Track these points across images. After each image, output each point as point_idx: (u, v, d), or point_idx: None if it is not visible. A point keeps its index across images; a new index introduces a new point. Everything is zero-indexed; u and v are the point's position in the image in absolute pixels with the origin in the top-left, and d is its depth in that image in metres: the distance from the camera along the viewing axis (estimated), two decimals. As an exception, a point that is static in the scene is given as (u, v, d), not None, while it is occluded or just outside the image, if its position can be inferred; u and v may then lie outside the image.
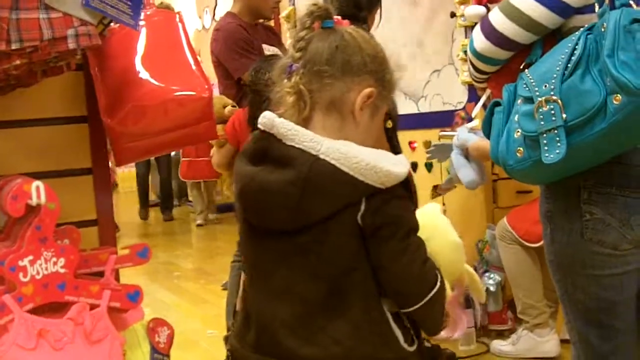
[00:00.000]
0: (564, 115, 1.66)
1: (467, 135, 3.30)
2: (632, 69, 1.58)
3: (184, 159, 8.48)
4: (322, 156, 1.39)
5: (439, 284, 1.49)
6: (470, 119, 4.08)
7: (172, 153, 8.96)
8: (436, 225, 1.65)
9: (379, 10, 3.44)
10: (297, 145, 1.42)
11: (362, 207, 1.41)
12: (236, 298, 3.84)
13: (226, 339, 3.86)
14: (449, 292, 1.58)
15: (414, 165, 4.29)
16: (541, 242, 2.35)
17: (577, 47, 1.69)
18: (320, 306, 1.45)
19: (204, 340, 4.46)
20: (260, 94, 3.52)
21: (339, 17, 1.55)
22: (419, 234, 1.50)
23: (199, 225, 8.96)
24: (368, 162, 1.39)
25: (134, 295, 1.87)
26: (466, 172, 3.18)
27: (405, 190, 1.46)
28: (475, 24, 2.03)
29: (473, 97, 4.27)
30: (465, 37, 4.36)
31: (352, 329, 1.43)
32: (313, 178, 1.39)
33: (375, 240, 1.43)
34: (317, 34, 1.51)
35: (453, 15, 4.43)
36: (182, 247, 7.89)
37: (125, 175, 11.20)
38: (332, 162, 1.39)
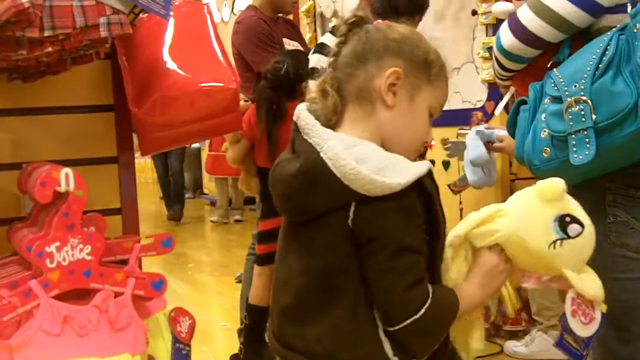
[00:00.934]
0: (594, 117, 1.65)
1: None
2: None
3: (211, 152, 8.23)
4: (321, 154, 1.37)
5: (422, 311, 1.36)
6: (488, 119, 4.08)
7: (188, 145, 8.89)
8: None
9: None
10: (308, 140, 1.42)
11: (351, 213, 1.37)
12: (249, 291, 3.85)
13: (239, 331, 3.91)
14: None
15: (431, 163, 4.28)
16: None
17: (608, 47, 1.68)
18: (309, 301, 1.43)
19: (217, 333, 4.48)
20: (276, 88, 3.54)
21: (379, 21, 1.54)
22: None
23: (212, 220, 8.83)
24: (353, 167, 1.34)
25: (159, 284, 1.87)
26: (472, 170, 3.14)
27: (405, 203, 1.38)
28: (501, 20, 2.01)
29: (492, 95, 4.27)
30: (486, 35, 4.35)
31: (334, 330, 1.40)
32: (309, 173, 1.38)
33: (364, 251, 1.38)
34: (350, 38, 1.50)
35: (474, 13, 4.42)
36: (197, 238, 7.92)
37: (142, 165, 11.22)
38: (326, 160, 1.36)
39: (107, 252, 1.87)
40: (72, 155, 2.08)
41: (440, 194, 1.48)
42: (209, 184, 10.08)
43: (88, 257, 1.75)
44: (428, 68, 1.49)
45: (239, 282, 4.69)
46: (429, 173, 1.42)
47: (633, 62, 1.62)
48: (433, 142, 4.38)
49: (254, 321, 3.81)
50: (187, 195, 10.45)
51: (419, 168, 1.40)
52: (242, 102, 3.80)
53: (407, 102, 1.47)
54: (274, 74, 3.54)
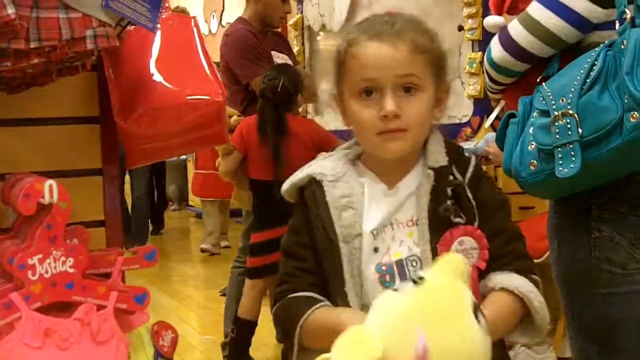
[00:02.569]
0: (580, 130, 1.66)
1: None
2: None
3: (198, 171, 7.42)
4: None
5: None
6: (474, 134, 4.09)
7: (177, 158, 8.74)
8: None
9: None
10: None
11: None
12: (236, 304, 3.84)
13: (223, 345, 3.89)
14: None
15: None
16: (543, 258, 2.34)
17: (596, 62, 1.69)
18: None
19: (200, 346, 4.45)
20: (272, 101, 3.55)
21: None
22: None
23: (203, 250, 7.49)
24: None
25: (141, 298, 1.86)
26: None
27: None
28: (489, 36, 2.02)
29: (478, 111, 4.28)
30: (473, 51, 4.37)
31: None
32: None
33: None
34: None
35: (461, 28, 4.43)
36: (182, 251, 7.88)
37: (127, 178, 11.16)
38: None
39: (91, 265, 1.85)
40: (56, 166, 2.06)
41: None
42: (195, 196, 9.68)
43: (71, 270, 1.73)
44: None
45: (223, 295, 4.67)
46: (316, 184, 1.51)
47: (619, 78, 1.63)
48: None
49: (241, 335, 3.80)
50: (172, 208, 10.42)
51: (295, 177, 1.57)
52: (235, 117, 3.81)
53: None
54: (273, 92, 3.55)
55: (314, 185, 1.50)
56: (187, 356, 4.16)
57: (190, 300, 5.68)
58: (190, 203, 10.35)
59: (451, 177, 1.46)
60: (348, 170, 1.51)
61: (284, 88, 3.57)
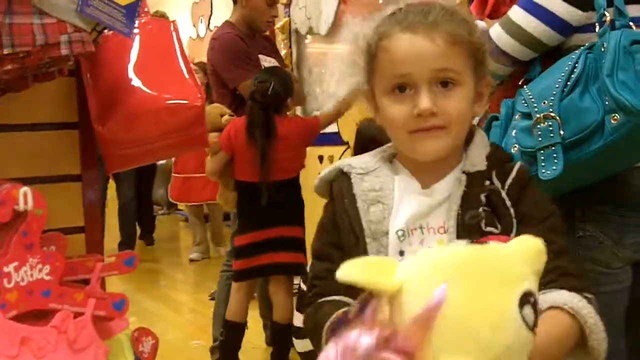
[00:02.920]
0: (562, 132, 1.67)
1: None
2: (631, 89, 1.59)
3: (176, 175, 6.97)
4: None
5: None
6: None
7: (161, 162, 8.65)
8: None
9: None
10: None
11: None
12: (224, 308, 3.83)
13: (212, 349, 3.88)
14: None
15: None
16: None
17: (577, 65, 1.70)
18: None
19: (190, 351, 4.43)
20: (261, 104, 3.54)
21: None
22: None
23: (192, 260, 7.16)
24: None
25: (120, 304, 1.84)
26: None
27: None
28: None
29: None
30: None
31: None
32: None
33: None
34: None
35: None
36: (171, 256, 7.86)
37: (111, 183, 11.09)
38: None
39: (69, 272, 1.83)
40: (35, 173, 2.03)
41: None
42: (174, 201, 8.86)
43: (47, 277, 1.71)
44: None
45: (213, 299, 4.65)
46: (345, 177, 1.42)
47: (600, 80, 1.64)
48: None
49: (229, 337, 3.79)
50: (160, 212, 10.38)
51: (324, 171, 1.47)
52: (227, 117, 3.79)
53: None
54: (262, 94, 3.54)
55: (341, 178, 1.42)
56: (176, 361, 4.15)
57: (179, 305, 5.66)
58: (179, 207, 10.31)
59: (487, 183, 1.34)
60: (381, 166, 1.42)
61: (274, 91, 3.56)
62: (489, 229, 1.28)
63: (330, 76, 5.28)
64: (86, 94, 2.03)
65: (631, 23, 1.71)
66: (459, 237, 1.27)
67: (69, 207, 2.10)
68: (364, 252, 1.32)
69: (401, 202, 1.35)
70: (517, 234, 1.23)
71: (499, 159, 1.39)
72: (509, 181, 1.34)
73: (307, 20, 5.75)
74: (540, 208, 1.34)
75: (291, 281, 3.86)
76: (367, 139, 3.19)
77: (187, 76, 2.07)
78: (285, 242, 3.65)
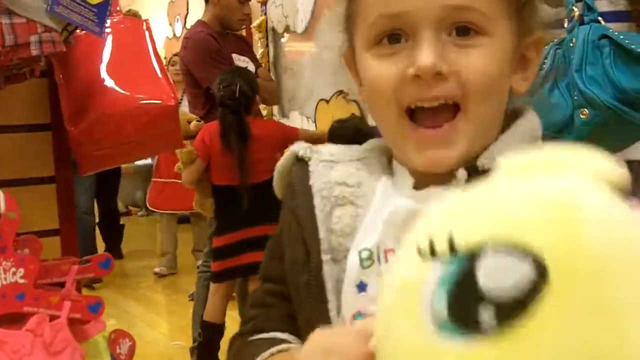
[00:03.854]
0: None
1: None
2: (599, 83, 1.59)
3: (156, 179, 6.43)
4: None
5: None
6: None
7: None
8: None
9: None
10: None
11: None
12: (203, 308, 3.82)
13: (192, 350, 3.87)
14: None
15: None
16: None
17: (545, 61, 1.71)
18: None
19: (169, 351, 4.42)
20: (231, 107, 3.53)
21: None
22: None
23: (156, 273, 6.44)
24: None
25: (95, 307, 1.83)
26: None
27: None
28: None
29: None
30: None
31: None
32: None
33: None
34: None
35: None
36: (149, 257, 7.82)
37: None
38: None
39: (44, 275, 1.82)
40: (8, 175, 2.02)
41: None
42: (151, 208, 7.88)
43: (21, 281, 1.71)
44: None
45: (192, 300, 4.64)
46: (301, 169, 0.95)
47: (569, 75, 1.65)
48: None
49: (208, 338, 3.78)
50: (139, 213, 10.33)
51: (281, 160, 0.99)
52: (195, 122, 3.78)
53: None
54: (231, 98, 3.53)
55: (296, 166, 0.95)
56: (156, 362, 4.14)
57: (158, 306, 5.64)
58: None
59: None
60: (369, 156, 0.93)
61: (242, 92, 3.55)
62: None
63: (308, 75, 5.28)
64: (59, 95, 2.02)
65: (600, 18, 1.72)
66: None
67: (44, 210, 2.09)
68: (317, 274, 0.87)
69: (382, 207, 0.86)
70: None
71: None
72: None
73: (283, 18, 5.75)
74: None
75: (270, 281, 3.85)
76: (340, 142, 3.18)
77: (160, 75, 2.06)
78: (264, 242, 3.61)
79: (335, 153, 0.94)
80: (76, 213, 5.91)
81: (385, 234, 0.83)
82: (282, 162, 0.98)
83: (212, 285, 3.79)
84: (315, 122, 5.03)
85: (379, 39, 0.83)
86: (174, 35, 9.77)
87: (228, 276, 3.73)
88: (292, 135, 3.79)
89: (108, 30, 2.02)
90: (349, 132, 3.23)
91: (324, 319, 0.84)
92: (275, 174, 0.99)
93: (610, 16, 1.77)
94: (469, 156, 0.82)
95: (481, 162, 0.82)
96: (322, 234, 0.87)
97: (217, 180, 3.66)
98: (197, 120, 3.82)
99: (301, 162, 0.94)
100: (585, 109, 1.60)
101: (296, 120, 5.32)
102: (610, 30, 1.68)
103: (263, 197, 3.62)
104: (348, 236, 0.86)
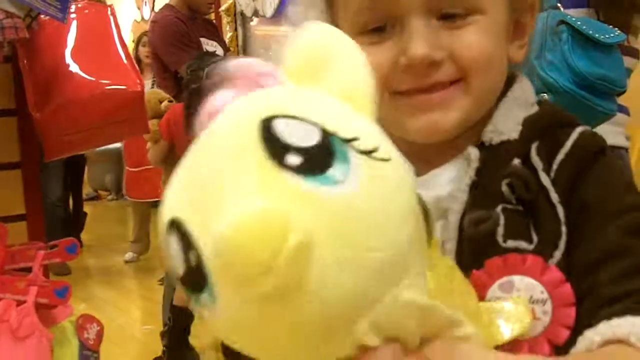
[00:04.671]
0: None
1: None
2: (558, 69, 1.62)
3: (130, 169, 6.31)
4: None
5: None
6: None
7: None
8: None
9: None
10: None
11: None
12: (173, 293, 3.82)
13: (162, 334, 3.87)
14: None
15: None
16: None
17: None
18: None
19: (141, 336, 4.42)
20: (197, 92, 3.52)
21: None
22: None
23: (127, 261, 6.33)
24: None
25: (62, 291, 1.84)
26: None
27: None
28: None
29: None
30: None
31: None
32: None
33: None
34: None
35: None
36: (119, 241, 7.80)
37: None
38: None
39: (10, 260, 1.83)
40: (-27, 161, 2.02)
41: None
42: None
43: (-13, 267, 1.71)
44: None
45: (162, 284, 4.64)
46: None
47: (528, 62, 1.67)
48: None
49: (178, 323, 3.78)
50: (109, 197, 10.29)
51: None
52: (166, 102, 3.76)
53: None
54: (197, 83, 3.51)
55: None
56: (127, 347, 4.13)
57: (129, 291, 5.63)
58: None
59: (516, 162, 0.77)
60: None
61: (209, 77, 3.53)
62: (511, 243, 0.74)
63: (277, 59, 5.27)
64: (23, 80, 2.02)
65: (558, 4, 1.74)
66: (461, 258, 0.75)
67: (10, 195, 2.09)
68: None
69: None
70: (568, 249, 0.74)
71: (548, 122, 0.82)
72: (559, 157, 0.77)
73: (252, 2, 5.74)
74: (613, 195, 0.77)
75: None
76: None
77: (125, 61, 2.07)
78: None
79: None
80: (46, 203, 5.72)
81: None
82: None
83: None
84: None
85: (365, 28, 0.79)
86: (142, 18, 9.71)
87: (199, 260, 3.74)
88: None
89: (73, 16, 2.03)
90: None
91: None
92: None
93: (569, 2, 1.79)
94: (467, 124, 0.80)
95: (488, 136, 0.80)
96: None
97: (182, 161, 3.66)
98: (169, 101, 3.80)
99: None
100: (545, 95, 1.62)
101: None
102: (569, 17, 1.70)
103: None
104: None
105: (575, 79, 1.64)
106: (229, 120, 0.56)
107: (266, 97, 0.59)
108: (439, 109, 0.78)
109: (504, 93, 0.83)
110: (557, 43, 1.64)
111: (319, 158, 0.50)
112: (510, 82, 0.84)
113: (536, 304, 0.69)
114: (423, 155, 0.79)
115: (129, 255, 6.27)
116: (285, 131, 0.51)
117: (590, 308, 0.70)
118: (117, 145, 8.74)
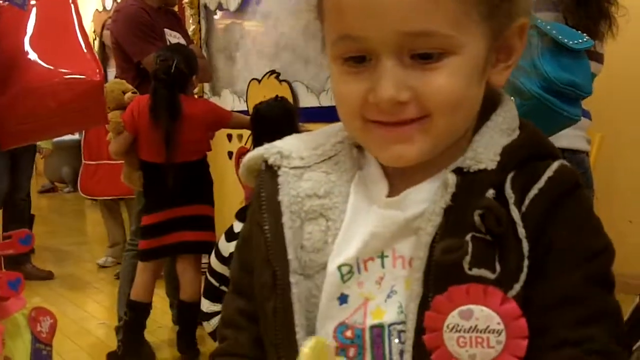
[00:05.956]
0: None
1: None
2: (526, 73, 1.61)
3: (88, 162, 5.96)
4: None
5: None
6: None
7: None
8: None
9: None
10: None
11: None
12: (129, 287, 3.78)
13: (117, 328, 3.83)
14: None
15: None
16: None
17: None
18: None
19: (96, 330, 4.37)
20: (165, 82, 3.48)
21: None
22: None
23: (101, 266, 5.87)
24: None
25: (15, 283, 1.80)
26: None
27: None
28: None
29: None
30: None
31: None
32: None
33: None
34: None
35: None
36: (76, 234, 7.72)
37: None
38: None
39: (-38, 252, 1.79)
40: None
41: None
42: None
43: (-62, 257, 1.67)
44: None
45: (118, 278, 4.59)
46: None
47: None
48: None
49: (134, 318, 3.74)
50: (66, 190, 10.19)
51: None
52: (129, 94, 3.72)
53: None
54: (166, 73, 3.47)
55: (265, 174, 0.91)
56: (81, 341, 4.07)
57: (85, 285, 5.56)
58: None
59: (491, 193, 0.79)
60: (339, 153, 0.90)
61: (178, 69, 3.50)
62: (476, 271, 0.77)
63: (240, 54, 5.24)
64: (-20, 67, 1.98)
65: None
66: (427, 278, 0.79)
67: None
68: (285, 297, 0.85)
69: (355, 218, 0.85)
70: (529, 283, 0.77)
71: (527, 154, 0.82)
72: (532, 192, 0.79)
73: (216, -5, 5.70)
74: (580, 239, 0.79)
75: (199, 260, 3.83)
76: (271, 126, 3.16)
77: (85, 50, 2.03)
78: (193, 221, 3.62)
79: (305, 156, 0.91)
80: (16, 198, 5.46)
81: (366, 245, 0.83)
82: (250, 159, 0.94)
83: (140, 264, 3.75)
84: (246, 101, 5.01)
85: (344, 56, 0.81)
86: (104, 8, 9.59)
87: (155, 255, 3.70)
88: (225, 119, 3.77)
89: (33, 2, 1.98)
90: (278, 112, 3.22)
91: (290, 344, 0.84)
92: (242, 168, 0.95)
93: (539, 6, 1.79)
94: (434, 153, 0.82)
95: (467, 163, 0.82)
96: (290, 255, 0.86)
97: (144, 155, 3.62)
98: (133, 92, 3.75)
99: (270, 170, 0.91)
100: (512, 99, 1.62)
101: (227, 99, 5.29)
102: (539, 21, 1.70)
103: (192, 178, 3.60)
104: (320, 251, 0.86)
105: (543, 84, 1.64)
106: None
107: None
108: (402, 143, 0.80)
109: (487, 116, 0.85)
110: (527, 47, 1.64)
111: None
112: (495, 103, 0.87)
113: (491, 334, 0.74)
114: (405, 171, 0.85)
115: (102, 260, 5.91)
116: None
117: (541, 346, 0.76)
118: (75, 136, 8.69)
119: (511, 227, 0.78)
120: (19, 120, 1.98)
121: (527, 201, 0.79)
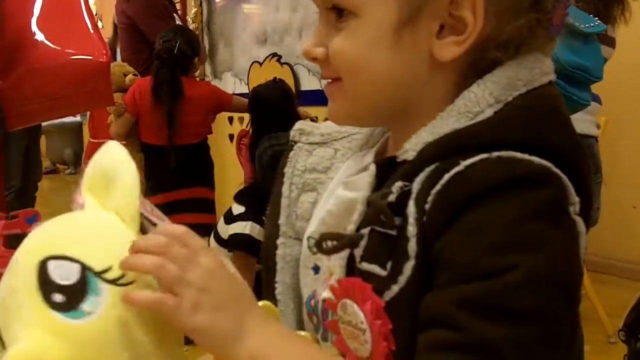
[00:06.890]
0: None
1: None
2: None
3: (93, 140, 6.03)
4: None
5: None
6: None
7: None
8: None
9: None
10: None
11: None
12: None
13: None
14: None
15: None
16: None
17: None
18: None
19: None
20: (167, 63, 3.48)
21: None
22: None
23: None
24: None
25: (32, 219, 1.82)
26: None
27: None
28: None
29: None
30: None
31: None
32: None
33: None
34: None
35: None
36: (77, 216, 7.72)
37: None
38: None
39: (-31, 231, 1.79)
40: None
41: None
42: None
43: (-55, 236, 1.67)
44: None
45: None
46: None
47: None
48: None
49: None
50: (67, 171, 10.18)
51: None
52: (130, 76, 3.72)
53: None
54: (169, 54, 3.47)
55: (289, 148, 0.95)
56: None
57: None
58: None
59: (399, 186, 0.72)
60: (361, 131, 0.89)
61: (181, 50, 3.50)
62: (365, 266, 0.72)
63: (242, 37, 5.23)
64: (-13, 48, 1.98)
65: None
66: (347, 263, 0.77)
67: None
68: (270, 257, 0.90)
69: (329, 194, 0.86)
70: (416, 284, 0.70)
71: (454, 143, 0.73)
72: (436, 189, 0.70)
73: (217, -22, 5.69)
74: (468, 256, 0.67)
75: (201, 242, 3.83)
76: (268, 108, 3.14)
77: (92, 31, 2.03)
78: (194, 203, 3.62)
79: (327, 132, 0.91)
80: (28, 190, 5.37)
81: (323, 221, 0.83)
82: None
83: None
84: (247, 84, 5.00)
85: None
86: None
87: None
88: (226, 102, 3.77)
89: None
90: (276, 94, 3.21)
91: (268, 297, 0.88)
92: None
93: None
94: (361, 115, 0.81)
95: (399, 154, 0.76)
96: (281, 220, 0.90)
97: (145, 137, 3.62)
98: (134, 75, 3.75)
99: (291, 145, 0.94)
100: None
101: (229, 82, 5.27)
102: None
103: (193, 160, 3.60)
104: (307, 221, 0.87)
105: (552, 67, 1.63)
106: (19, 260, 0.67)
107: (49, 235, 0.70)
108: (330, 101, 0.82)
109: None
110: None
111: (76, 294, 0.64)
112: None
113: (359, 331, 0.72)
114: (397, 138, 0.81)
115: None
116: (55, 272, 0.64)
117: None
118: (77, 118, 8.69)
119: (404, 225, 0.71)
120: (25, 100, 1.98)
121: (430, 197, 0.70)
